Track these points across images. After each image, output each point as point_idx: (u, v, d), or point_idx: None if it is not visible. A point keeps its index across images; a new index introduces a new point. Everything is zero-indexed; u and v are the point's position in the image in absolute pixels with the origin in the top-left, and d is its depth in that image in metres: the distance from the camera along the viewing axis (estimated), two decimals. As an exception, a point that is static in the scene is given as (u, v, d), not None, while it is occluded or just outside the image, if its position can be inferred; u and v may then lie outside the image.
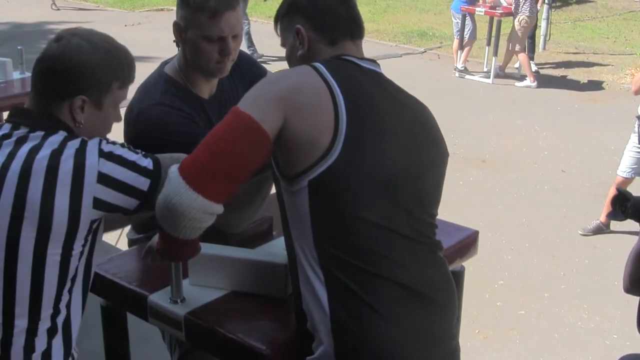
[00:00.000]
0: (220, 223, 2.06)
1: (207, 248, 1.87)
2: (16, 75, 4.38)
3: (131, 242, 2.39)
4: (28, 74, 4.45)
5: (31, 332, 1.62)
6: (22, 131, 1.63)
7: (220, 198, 1.54)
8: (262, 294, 1.88)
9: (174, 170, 1.54)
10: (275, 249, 2.02)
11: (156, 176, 1.63)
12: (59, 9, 13.09)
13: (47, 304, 1.62)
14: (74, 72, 1.62)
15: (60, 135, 1.62)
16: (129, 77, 1.72)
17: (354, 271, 1.59)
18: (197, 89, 2.17)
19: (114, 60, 1.67)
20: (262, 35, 8.97)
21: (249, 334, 1.73)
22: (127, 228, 2.42)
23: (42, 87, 1.66)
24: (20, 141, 1.61)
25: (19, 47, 4.51)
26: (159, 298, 1.88)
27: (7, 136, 1.63)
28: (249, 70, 2.28)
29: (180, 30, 2.07)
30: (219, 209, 1.55)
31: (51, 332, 1.65)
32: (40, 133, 1.62)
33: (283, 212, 1.68)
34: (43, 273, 1.59)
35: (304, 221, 1.61)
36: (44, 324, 1.63)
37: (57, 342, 1.67)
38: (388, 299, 1.61)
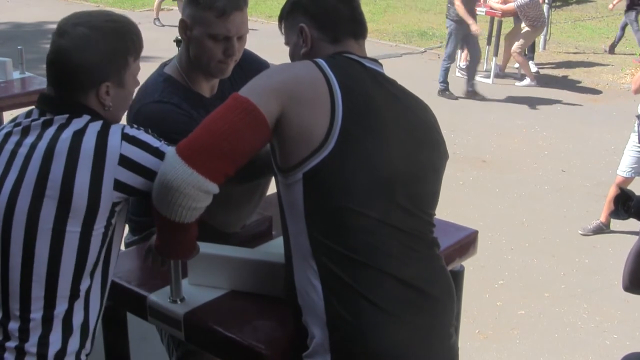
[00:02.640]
0: (218, 222, 2.06)
1: (206, 247, 1.87)
2: (16, 75, 4.38)
3: (127, 245, 2.39)
4: (28, 74, 4.45)
5: (48, 308, 1.64)
6: (48, 116, 1.68)
7: (215, 176, 1.55)
8: (262, 294, 1.88)
9: (171, 149, 1.58)
10: (274, 249, 2.02)
11: None
12: (163, 26, 11.92)
13: (65, 282, 1.64)
14: (91, 65, 1.65)
15: (84, 118, 1.66)
16: (139, 47, 1.75)
17: (347, 263, 1.60)
18: (198, 87, 2.17)
19: (123, 38, 1.69)
20: (262, 34, 8.98)
21: (249, 334, 1.74)
22: (126, 231, 2.42)
23: (61, 83, 1.68)
24: (47, 124, 1.66)
25: (19, 47, 4.51)
26: (159, 298, 1.88)
27: (35, 120, 1.69)
28: (252, 68, 2.27)
29: (186, 28, 2.08)
30: (213, 187, 1.56)
31: (68, 315, 1.67)
32: (65, 116, 1.66)
33: (280, 205, 1.70)
34: (61, 249, 1.61)
35: (299, 213, 1.62)
36: (62, 305, 1.65)
37: (78, 317, 1.68)
38: (382, 290, 1.62)
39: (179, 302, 1.85)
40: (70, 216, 1.59)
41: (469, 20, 7.56)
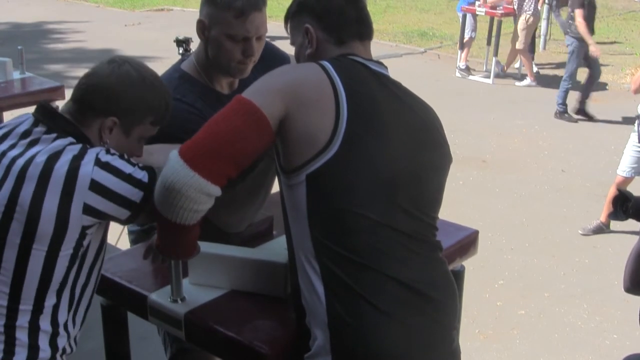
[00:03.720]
0: (221, 223, 2.06)
1: (207, 247, 1.87)
2: (16, 75, 4.38)
3: (130, 233, 2.39)
4: (28, 74, 4.45)
5: (10, 319, 1.65)
6: (39, 129, 1.69)
7: (217, 179, 1.55)
8: (262, 294, 1.88)
9: (174, 152, 1.57)
10: (275, 249, 2.02)
11: (149, 189, 1.65)
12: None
13: (28, 296, 1.65)
14: (116, 94, 1.69)
15: (66, 140, 1.66)
16: (163, 117, 1.78)
17: (349, 264, 1.60)
18: (217, 84, 2.16)
19: (155, 96, 1.74)
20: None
21: (249, 333, 1.74)
22: (128, 227, 2.43)
23: (81, 99, 1.72)
24: (33, 143, 1.67)
25: (19, 47, 4.51)
26: (159, 297, 1.88)
27: (26, 134, 1.69)
28: (274, 63, 2.26)
29: (204, 28, 2.07)
30: (215, 190, 1.56)
31: (33, 328, 1.67)
32: (52, 135, 1.67)
33: (283, 206, 1.70)
34: (27, 264, 1.62)
35: (301, 215, 1.62)
36: (24, 317, 1.66)
37: (43, 340, 1.69)
38: (385, 293, 1.61)
39: (179, 302, 1.85)
40: (36, 239, 1.61)
41: (589, 40, 7.15)
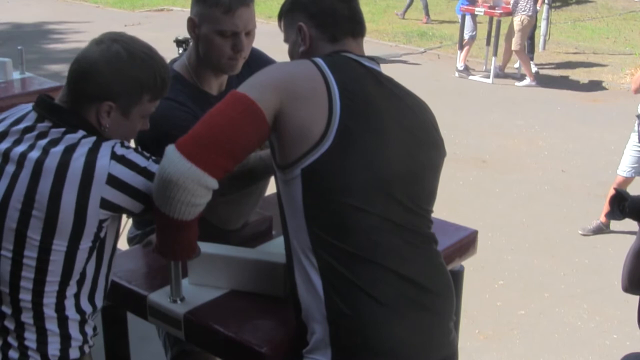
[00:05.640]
0: (217, 219, 2.07)
1: (206, 247, 1.87)
2: (16, 75, 4.38)
3: (130, 240, 2.39)
4: (28, 74, 4.46)
5: (38, 312, 1.66)
6: (45, 124, 1.68)
7: (214, 171, 1.55)
8: (262, 293, 1.88)
9: (170, 146, 1.57)
10: (274, 248, 2.02)
11: None
12: None
13: (51, 289, 1.66)
14: (107, 78, 1.66)
15: (78, 133, 1.66)
16: (161, 91, 1.75)
17: (347, 258, 1.61)
18: (206, 85, 2.18)
19: (149, 73, 1.70)
20: (261, 35, 8.98)
21: (249, 333, 1.74)
22: (127, 227, 2.42)
23: (74, 86, 1.70)
24: (41, 136, 1.66)
25: (19, 47, 4.52)
26: (159, 297, 1.88)
27: (30, 128, 1.68)
28: (260, 66, 2.29)
29: (195, 26, 2.10)
30: (213, 182, 1.56)
31: (62, 319, 1.69)
32: (61, 129, 1.66)
33: (280, 201, 1.70)
34: (48, 260, 1.63)
35: (298, 209, 1.63)
36: (50, 309, 1.68)
37: (73, 328, 1.72)
38: (382, 285, 1.62)
39: (179, 302, 1.85)
40: (56, 235, 1.61)
41: None
